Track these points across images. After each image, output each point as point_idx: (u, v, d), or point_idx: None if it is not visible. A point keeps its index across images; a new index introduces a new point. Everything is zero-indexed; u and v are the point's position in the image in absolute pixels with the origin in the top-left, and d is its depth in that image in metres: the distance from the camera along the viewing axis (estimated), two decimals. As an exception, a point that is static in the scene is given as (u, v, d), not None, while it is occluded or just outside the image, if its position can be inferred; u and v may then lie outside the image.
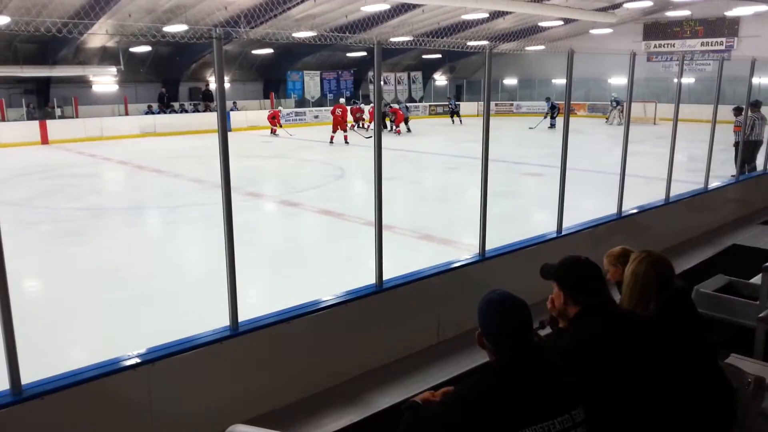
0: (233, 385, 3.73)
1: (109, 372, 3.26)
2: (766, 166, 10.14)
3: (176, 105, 25.91)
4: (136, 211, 10.69)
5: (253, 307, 4.26)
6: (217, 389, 3.67)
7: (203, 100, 26.60)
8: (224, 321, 3.74)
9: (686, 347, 2.51)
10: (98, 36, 20.19)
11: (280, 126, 23.86)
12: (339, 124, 20.05)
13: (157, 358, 3.43)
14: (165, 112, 25.06)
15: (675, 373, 2.38)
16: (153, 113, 24.44)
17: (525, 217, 9.61)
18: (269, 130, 23.64)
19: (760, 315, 3.60)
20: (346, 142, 19.75)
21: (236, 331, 3.71)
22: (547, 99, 26.33)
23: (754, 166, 10.91)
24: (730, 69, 11.53)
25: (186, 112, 25.69)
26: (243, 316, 3.83)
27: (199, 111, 25.77)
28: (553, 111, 25.37)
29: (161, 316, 5.58)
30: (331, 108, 21.30)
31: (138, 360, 3.36)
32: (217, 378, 3.68)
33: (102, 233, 8.94)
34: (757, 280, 3.87)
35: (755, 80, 9.71)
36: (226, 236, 3.67)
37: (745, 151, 10.40)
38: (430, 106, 32.91)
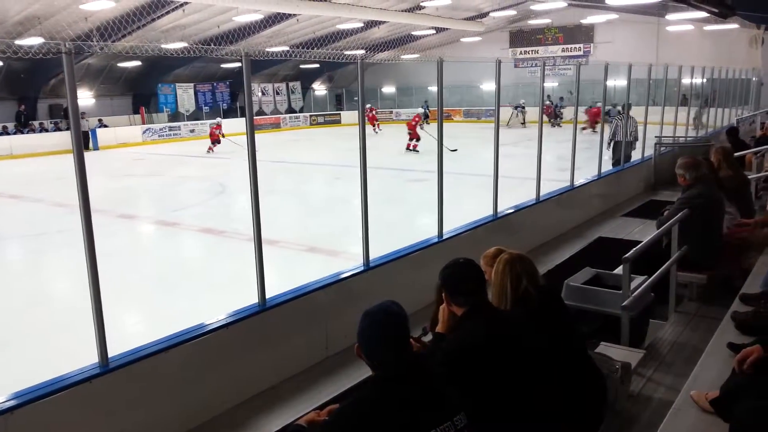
0: (107, 427, 3.44)
1: (-42, 429, 2.91)
2: (623, 162, 11.01)
3: (35, 124, 23.99)
4: (-9, 242, 9.74)
5: (132, 337, 3.99)
6: (89, 433, 3.37)
7: (65, 117, 24.83)
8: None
9: (557, 342, 2.61)
10: (-62, 51, 18.25)
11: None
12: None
13: (16, 406, 3.10)
14: (23, 132, 23.13)
15: (548, 367, 2.47)
16: (8, 134, 22.48)
17: (410, 223, 9.75)
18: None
19: (623, 304, 3.87)
20: (412, 150, 19.32)
21: (106, 367, 3.43)
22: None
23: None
24: (589, 73, 12.46)
25: (46, 131, 23.82)
26: (122, 348, 3.57)
27: (61, 129, 23.95)
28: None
29: (24, 358, 5.09)
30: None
31: (-8, 410, 3.02)
32: (89, 421, 3.38)
33: (-49, 269, 8.06)
34: (619, 270, 4.15)
35: (610, 83, 10.52)
36: (89, 264, 3.41)
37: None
38: (311, 116, 32.84)
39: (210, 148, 21.36)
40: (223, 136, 21.35)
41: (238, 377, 4.10)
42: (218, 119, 23.87)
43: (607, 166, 11.01)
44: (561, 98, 27.34)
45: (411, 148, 19.42)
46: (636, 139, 11.85)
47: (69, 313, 6.01)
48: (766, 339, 2.75)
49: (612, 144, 12.04)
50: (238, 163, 17.45)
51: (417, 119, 20.09)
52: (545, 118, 27.18)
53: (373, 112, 27.45)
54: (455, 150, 17.41)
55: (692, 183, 5.15)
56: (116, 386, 3.48)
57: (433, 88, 30.89)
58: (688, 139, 13.56)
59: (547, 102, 27.80)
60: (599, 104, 20.04)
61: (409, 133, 19.64)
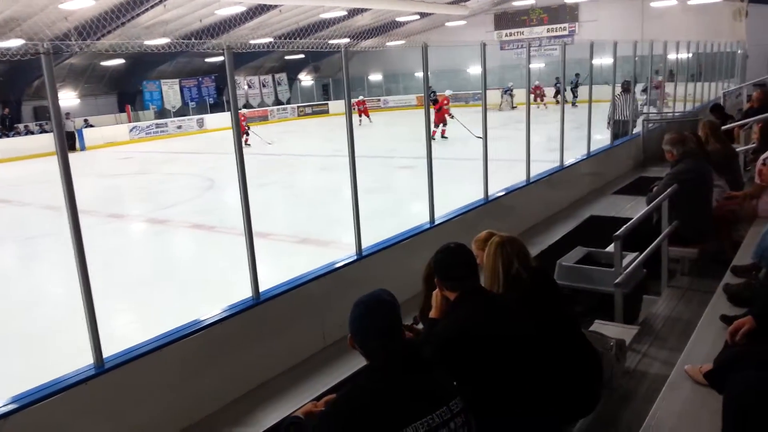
0: (105, 428, 3.44)
1: (-48, 437, 2.89)
2: (612, 140, 11.02)
3: (21, 127, 23.74)
4: (-19, 247, 9.67)
5: (128, 337, 3.98)
6: (88, 435, 3.36)
7: (50, 119, 24.58)
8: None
9: (550, 323, 2.62)
10: None
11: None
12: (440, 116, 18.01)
13: (12, 411, 3.09)
14: (8, 136, 22.88)
15: (543, 349, 2.47)
16: (-8, 137, 22.29)
17: (401, 210, 9.74)
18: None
19: (616, 281, 3.88)
20: (443, 137, 17.89)
21: (102, 368, 3.42)
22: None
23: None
24: (575, 52, 12.43)
25: (32, 133, 23.58)
26: (118, 347, 3.56)
27: (46, 131, 23.61)
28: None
29: (18, 362, 5.06)
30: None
31: (-13, 417, 3.00)
32: (87, 423, 3.37)
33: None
34: (611, 248, 4.15)
35: (597, 61, 10.53)
36: (78, 265, 3.39)
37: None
38: (298, 107, 32.69)
39: (246, 141, 19.93)
40: (249, 127, 20.48)
41: (235, 372, 4.10)
42: (242, 110, 23.27)
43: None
44: (577, 74, 24.60)
45: (441, 135, 18.04)
46: (637, 117, 11.88)
47: (62, 316, 5.99)
48: (758, 310, 2.76)
49: (611, 123, 12.04)
50: (227, 158, 17.34)
51: (447, 101, 18.62)
52: (557, 98, 27.08)
53: (364, 105, 26.00)
54: (480, 137, 17.07)
55: (680, 158, 5.16)
56: (113, 387, 3.47)
57: (420, 74, 30.77)
58: (676, 114, 13.60)
59: (536, 82, 27.66)
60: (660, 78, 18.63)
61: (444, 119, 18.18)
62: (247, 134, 20.28)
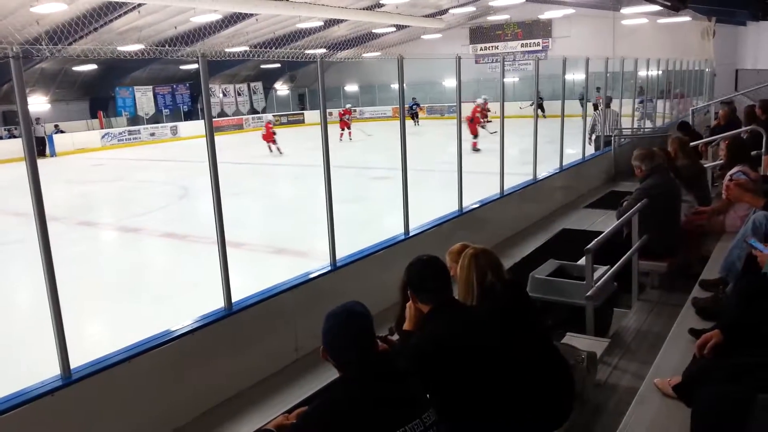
0: (71, 441, 3.36)
1: None
2: (584, 154, 11.18)
3: (-12, 131, 23.31)
4: (-55, 254, 9.39)
5: (96, 347, 3.90)
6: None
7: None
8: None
9: (523, 336, 2.64)
10: None
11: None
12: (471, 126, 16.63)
13: (-30, 427, 3.00)
14: (-25, 140, 22.42)
15: (515, 361, 2.48)
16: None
17: (376, 221, 9.75)
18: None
19: (587, 294, 3.92)
20: (474, 149, 16.24)
21: (69, 379, 3.34)
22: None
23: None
24: (548, 67, 12.62)
25: (0, 138, 23.12)
26: (85, 358, 3.48)
27: (15, 137, 23.23)
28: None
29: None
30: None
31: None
32: (53, 436, 3.29)
33: None
34: (583, 261, 4.20)
35: (569, 76, 10.69)
36: (46, 273, 3.32)
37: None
38: (273, 116, 32.57)
39: (277, 149, 19.93)
40: (275, 134, 20.19)
41: (206, 384, 4.04)
42: (269, 116, 23.21)
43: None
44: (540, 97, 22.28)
45: (473, 147, 16.25)
46: (615, 131, 12.12)
47: (29, 325, 5.85)
48: (725, 323, 2.82)
49: (593, 138, 12.21)
50: (201, 166, 17.18)
51: (478, 110, 17.38)
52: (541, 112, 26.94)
53: (348, 116, 24.14)
54: (495, 132, 17.11)
55: (648, 173, 5.25)
56: (80, 398, 3.40)
57: (396, 86, 30.63)
58: (646, 130, 13.87)
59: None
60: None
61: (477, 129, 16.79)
62: (275, 142, 20.01)
